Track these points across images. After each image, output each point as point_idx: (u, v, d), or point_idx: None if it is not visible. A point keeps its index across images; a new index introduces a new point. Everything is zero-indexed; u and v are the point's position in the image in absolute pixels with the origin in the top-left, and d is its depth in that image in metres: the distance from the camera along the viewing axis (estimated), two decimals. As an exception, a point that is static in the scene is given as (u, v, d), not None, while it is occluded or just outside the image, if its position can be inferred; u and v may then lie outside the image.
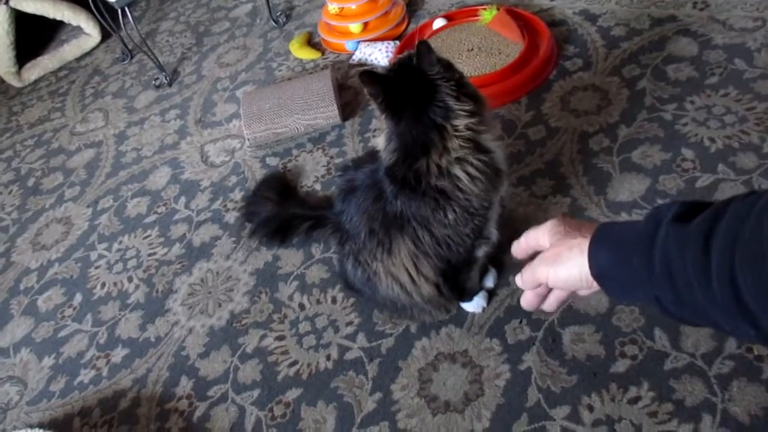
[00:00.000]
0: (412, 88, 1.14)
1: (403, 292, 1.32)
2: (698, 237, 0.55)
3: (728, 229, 0.53)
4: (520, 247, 0.81)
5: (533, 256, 0.78)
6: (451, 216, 1.19)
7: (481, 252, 1.32)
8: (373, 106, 2.08)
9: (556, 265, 0.71)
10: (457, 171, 1.16)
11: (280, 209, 1.69)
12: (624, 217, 1.49)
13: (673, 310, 0.61)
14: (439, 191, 1.17)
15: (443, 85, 1.12)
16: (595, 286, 0.68)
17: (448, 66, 1.15)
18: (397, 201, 1.21)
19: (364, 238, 1.28)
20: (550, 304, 0.79)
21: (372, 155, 1.29)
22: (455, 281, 1.36)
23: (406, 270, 1.28)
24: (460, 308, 1.44)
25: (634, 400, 1.20)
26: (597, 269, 0.66)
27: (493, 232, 1.31)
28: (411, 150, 1.15)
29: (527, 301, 0.80)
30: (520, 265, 1.51)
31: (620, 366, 1.25)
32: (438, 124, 1.12)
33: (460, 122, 1.13)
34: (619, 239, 0.65)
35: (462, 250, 1.26)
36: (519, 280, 0.79)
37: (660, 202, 1.50)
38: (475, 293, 1.41)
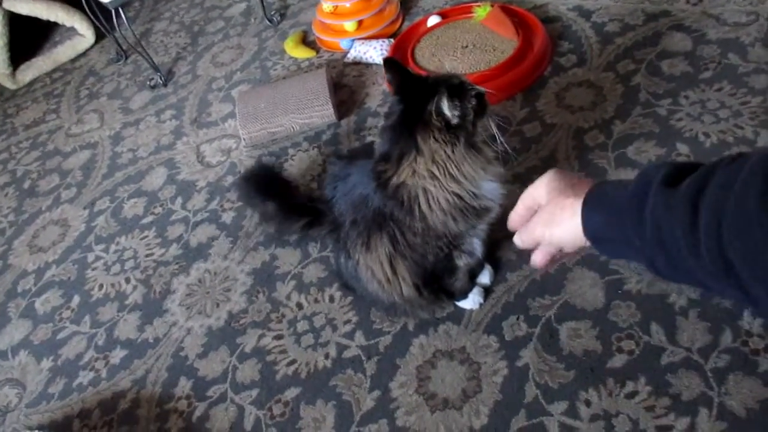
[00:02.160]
0: (419, 88, 1.12)
1: (380, 289, 1.32)
2: (686, 204, 0.56)
3: (715, 197, 0.54)
4: (517, 214, 0.83)
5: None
6: (419, 225, 1.18)
7: (462, 262, 1.31)
8: (368, 104, 2.09)
9: (551, 225, 0.74)
10: (419, 191, 1.14)
11: (279, 198, 1.66)
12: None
13: (665, 272, 0.63)
14: (402, 201, 1.16)
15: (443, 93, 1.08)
16: (587, 245, 0.71)
17: (459, 87, 1.12)
18: (376, 196, 1.19)
19: (348, 227, 1.28)
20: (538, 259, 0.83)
21: (367, 147, 1.29)
22: (438, 285, 1.35)
23: (382, 268, 1.27)
24: (457, 306, 1.44)
25: (631, 395, 1.21)
26: (591, 232, 0.69)
27: (477, 249, 1.31)
28: (387, 152, 1.14)
29: (535, 261, 0.84)
30: (516, 260, 1.51)
31: (617, 361, 1.26)
32: (416, 137, 1.10)
33: (426, 144, 1.10)
34: (611, 202, 0.67)
35: (434, 259, 1.26)
36: (518, 239, 0.82)
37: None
38: (467, 293, 1.41)
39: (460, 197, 1.15)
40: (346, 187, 1.29)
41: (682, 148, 1.58)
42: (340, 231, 1.31)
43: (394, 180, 1.14)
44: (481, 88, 1.14)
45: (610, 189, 0.69)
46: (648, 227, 0.60)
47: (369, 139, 1.94)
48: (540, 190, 0.78)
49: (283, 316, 1.58)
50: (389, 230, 1.21)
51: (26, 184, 2.35)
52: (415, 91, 1.13)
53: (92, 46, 3.05)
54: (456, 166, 1.12)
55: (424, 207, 1.15)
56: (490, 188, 1.20)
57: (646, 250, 0.62)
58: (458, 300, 1.43)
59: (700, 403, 1.16)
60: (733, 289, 0.54)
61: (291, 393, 1.43)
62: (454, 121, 1.09)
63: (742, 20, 1.86)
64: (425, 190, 1.14)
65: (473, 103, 1.12)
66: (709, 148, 1.56)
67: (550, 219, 0.74)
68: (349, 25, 2.35)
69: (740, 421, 1.12)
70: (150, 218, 2.00)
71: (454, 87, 1.11)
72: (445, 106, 1.08)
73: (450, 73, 1.16)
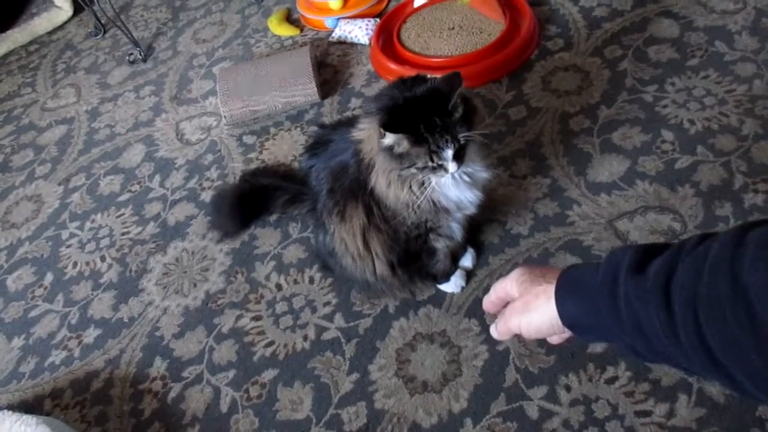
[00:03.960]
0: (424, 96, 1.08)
1: (353, 265, 1.30)
2: (658, 294, 0.55)
3: (685, 286, 0.53)
4: (490, 301, 0.80)
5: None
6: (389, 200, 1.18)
7: (441, 245, 1.30)
8: (352, 84, 2.06)
9: (526, 313, 0.71)
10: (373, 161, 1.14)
11: (253, 185, 1.64)
12: (603, 198, 1.49)
13: (648, 357, 0.61)
14: (362, 159, 1.15)
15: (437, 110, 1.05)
16: (567, 331, 0.68)
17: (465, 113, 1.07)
18: (353, 162, 1.18)
19: (326, 197, 1.26)
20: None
21: (351, 119, 1.27)
22: (416, 267, 1.34)
23: (355, 240, 1.25)
24: (438, 289, 1.43)
25: (611, 380, 1.21)
26: (568, 318, 0.66)
27: (456, 232, 1.29)
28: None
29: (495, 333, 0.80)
30: (498, 245, 1.50)
31: (598, 346, 1.25)
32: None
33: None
34: (584, 289, 0.65)
35: (405, 237, 1.24)
36: (494, 331, 0.78)
37: (639, 183, 1.50)
38: (449, 275, 1.40)
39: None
40: (326, 154, 1.26)
41: (667, 135, 1.58)
42: (318, 203, 1.29)
43: (355, 133, 1.14)
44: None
45: (579, 274, 0.67)
46: (624, 317, 0.59)
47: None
48: (510, 284, 0.75)
49: (262, 296, 1.55)
50: (365, 200, 1.19)
51: (-1, 159, 2.29)
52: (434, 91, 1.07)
53: (70, 19, 2.97)
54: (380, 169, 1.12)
55: (374, 179, 1.14)
56: (452, 195, 1.16)
57: (625, 337, 0.60)
58: (440, 283, 1.41)
59: (679, 389, 1.16)
60: (720, 377, 0.53)
61: (268, 375, 1.40)
62: (382, 145, 1.08)
63: (729, 8, 1.85)
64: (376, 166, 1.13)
65: (418, 160, 1.07)
66: (694, 135, 1.55)
67: (525, 307, 0.71)
68: (334, 4, 2.31)
69: (719, 407, 1.13)
70: (127, 196, 1.96)
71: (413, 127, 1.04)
72: (390, 137, 1.05)
73: (449, 119, 1.06)
